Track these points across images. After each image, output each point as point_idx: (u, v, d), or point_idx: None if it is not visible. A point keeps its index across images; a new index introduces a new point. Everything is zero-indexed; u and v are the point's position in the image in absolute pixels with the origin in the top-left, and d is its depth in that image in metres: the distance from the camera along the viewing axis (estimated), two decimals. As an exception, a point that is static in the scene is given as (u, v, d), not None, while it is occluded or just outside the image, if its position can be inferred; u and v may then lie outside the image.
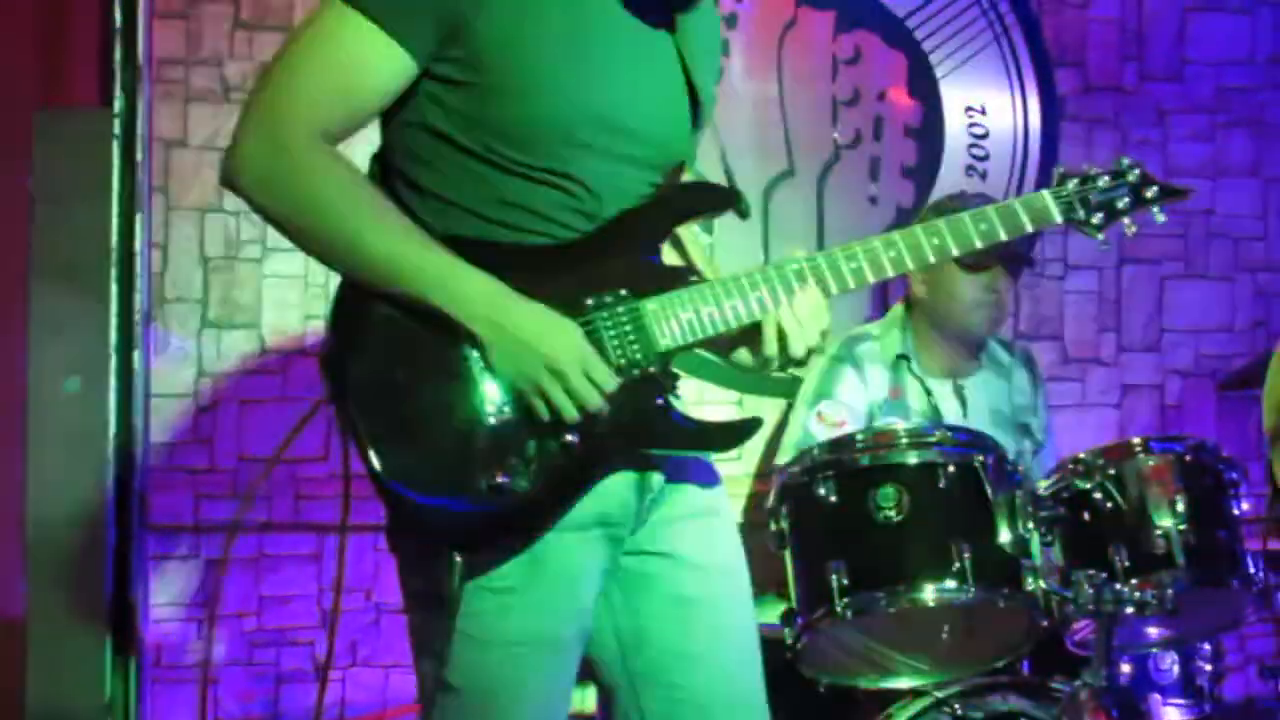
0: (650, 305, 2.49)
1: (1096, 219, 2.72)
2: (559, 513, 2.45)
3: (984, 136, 5.00)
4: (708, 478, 2.67)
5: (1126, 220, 2.75)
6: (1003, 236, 2.67)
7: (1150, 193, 2.75)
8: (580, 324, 2.44)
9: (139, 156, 4.29)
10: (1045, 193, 2.71)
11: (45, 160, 4.22)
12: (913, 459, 3.44)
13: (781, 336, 2.52)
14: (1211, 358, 5.14)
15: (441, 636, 2.44)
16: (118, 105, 4.28)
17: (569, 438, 2.42)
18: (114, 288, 4.28)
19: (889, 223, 4.88)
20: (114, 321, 4.29)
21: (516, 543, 2.44)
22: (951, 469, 3.41)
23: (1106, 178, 2.73)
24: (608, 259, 2.50)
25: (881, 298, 4.78)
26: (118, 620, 4.26)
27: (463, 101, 2.45)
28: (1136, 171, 2.75)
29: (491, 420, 2.40)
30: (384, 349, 2.41)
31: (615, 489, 2.51)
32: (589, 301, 2.47)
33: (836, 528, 3.45)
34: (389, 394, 2.39)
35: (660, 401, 2.50)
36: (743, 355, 2.62)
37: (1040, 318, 5.03)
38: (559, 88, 2.45)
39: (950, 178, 4.93)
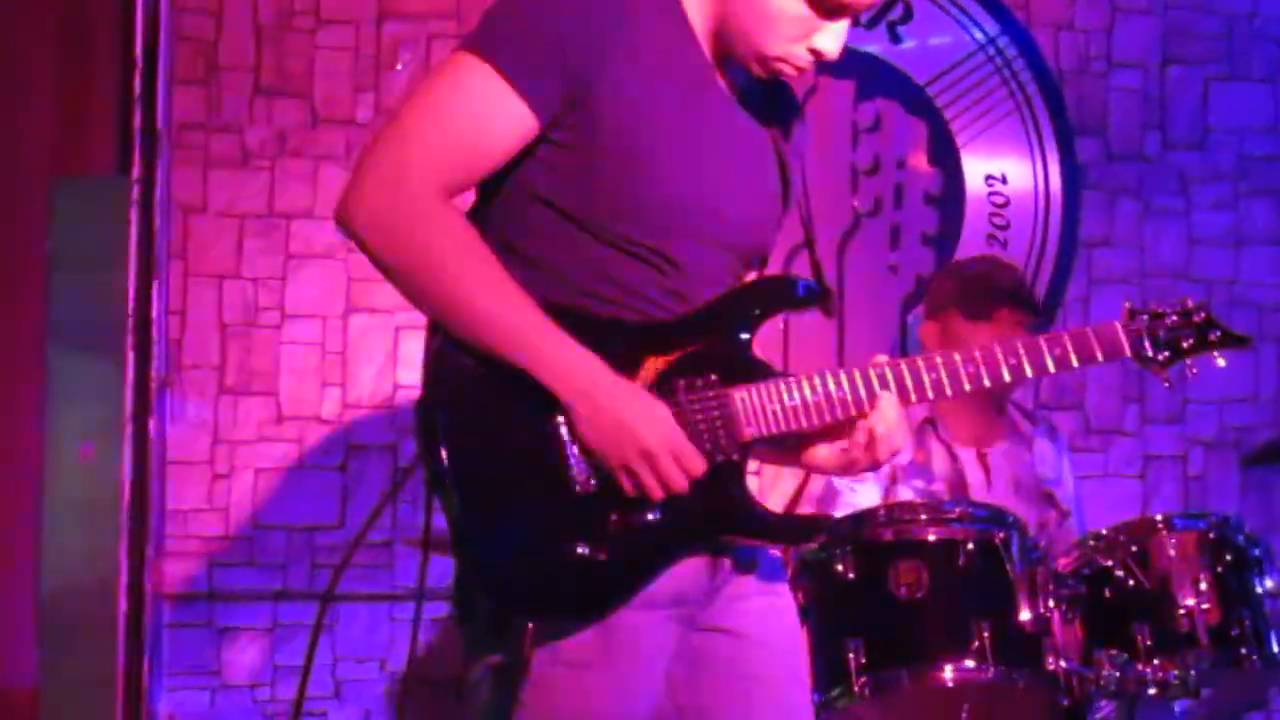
0: (739, 394, 2.51)
1: (1162, 357, 2.75)
2: (636, 588, 2.45)
3: (1005, 205, 4.99)
4: (772, 574, 2.68)
5: (1189, 361, 2.77)
6: (1075, 364, 2.69)
7: (1214, 336, 2.78)
8: (670, 405, 2.45)
9: (156, 223, 4.30)
10: (1118, 325, 2.73)
11: (64, 227, 4.25)
12: (932, 535, 3.43)
13: (871, 440, 2.55)
14: (1235, 428, 5.09)
15: (507, 708, 2.44)
16: (137, 172, 4.30)
17: (651, 516, 2.43)
18: (130, 354, 4.29)
19: (908, 291, 4.87)
20: (129, 388, 4.30)
21: (592, 615, 2.44)
22: (971, 546, 3.40)
23: (1174, 317, 2.76)
24: (701, 343, 2.52)
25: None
26: (130, 688, 4.25)
27: (571, 168, 2.47)
28: (1203, 314, 2.78)
29: (578, 490, 2.42)
30: (478, 407, 2.43)
31: (689, 570, 2.51)
32: (680, 383, 2.48)
33: (855, 604, 3.43)
34: (479, 453, 2.41)
35: (739, 490, 2.52)
36: (821, 452, 2.63)
37: (1062, 387, 4.99)
38: (668, 166, 2.49)
39: (971, 246, 4.91)
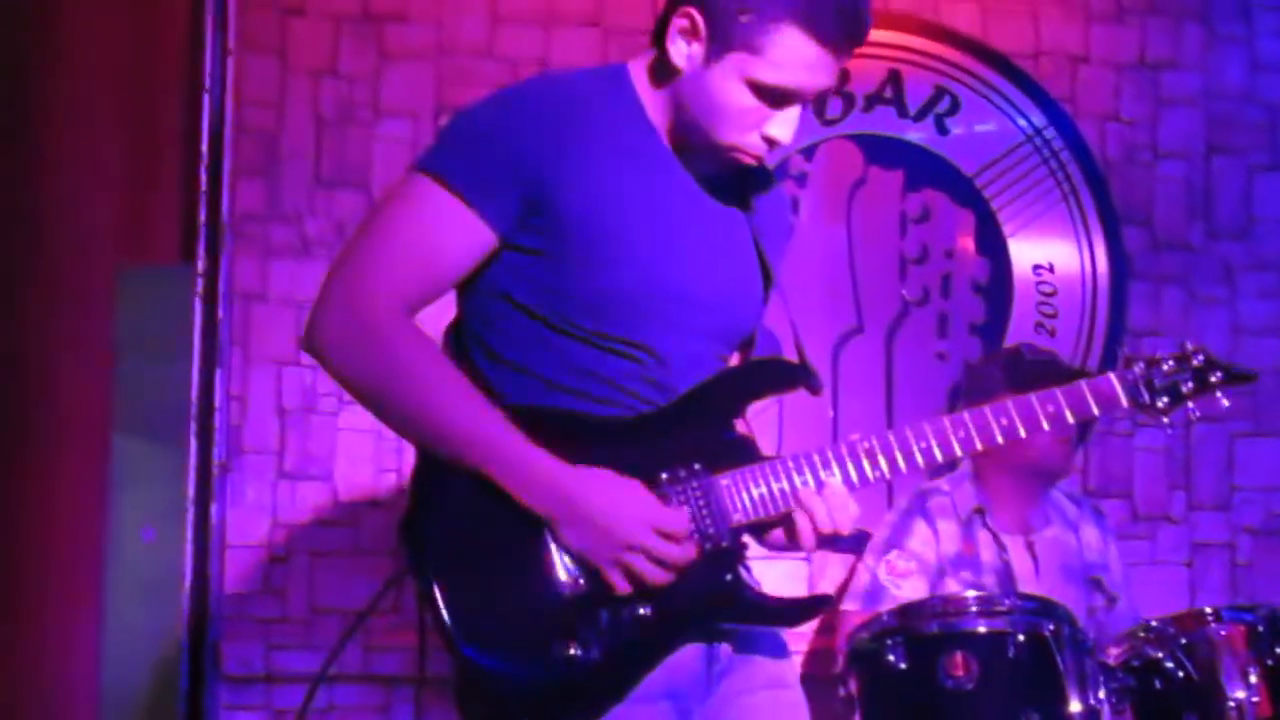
0: (724, 481, 2.52)
1: (1161, 403, 2.75)
2: (630, 684, 2.46)
3: (1052, 294, 5.03)
4: (777, 650, 2.69)
5: (1191, 405, 2.77)
6: (1070, 419, 2.70)
7: (1215, 377, 2.78)
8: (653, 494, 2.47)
9: (219, 312, 4.38)
10: (1111, 375, 2.73)
11: (128, 316, 4.33)
12: (982, 627, 3.46)
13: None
14: (1283, 515, 5.11)
15: None
16: (200, 263, 4.38)
17: (642, 610, 2.44)
18: (192, 441, 4.36)
19: (956, 380, 4.90)
20: (192, 473, 4.37)
21: (587, 714, 2.45)
22: (1021, 638, 3.43)
23: (1171, 362, 2.76)
24: (682, 433, 2.54)
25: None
26: (190, 769, 4.30)
27: (539, 271, 2.51)
28: (1201, 356, 2.78)
29: (566, 591, 2.43)
30: (462, 519, 2.45)
31: (684, 661, 2.52)
32: (664, 475, 2.50)
33: (905, 695, 3.46)
34: (466, 563, 2.43)
35: (731, 576, 2.52)
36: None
37: (1109, 474, 5.00)
38: (634, 260, 2.52)
39: (1019, 334, 4.94)
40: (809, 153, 4.91)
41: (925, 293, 4.97)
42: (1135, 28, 5.16)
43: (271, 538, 4.56)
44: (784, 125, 2.54)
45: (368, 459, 4.58)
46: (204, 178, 4.41)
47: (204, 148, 4.43)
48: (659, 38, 2.57)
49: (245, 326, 4.57)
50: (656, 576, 2.42)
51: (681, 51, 2.53)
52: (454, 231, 2.48)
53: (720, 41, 2.49)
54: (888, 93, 4.98)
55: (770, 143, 2.56)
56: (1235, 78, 5.21)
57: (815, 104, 4.88)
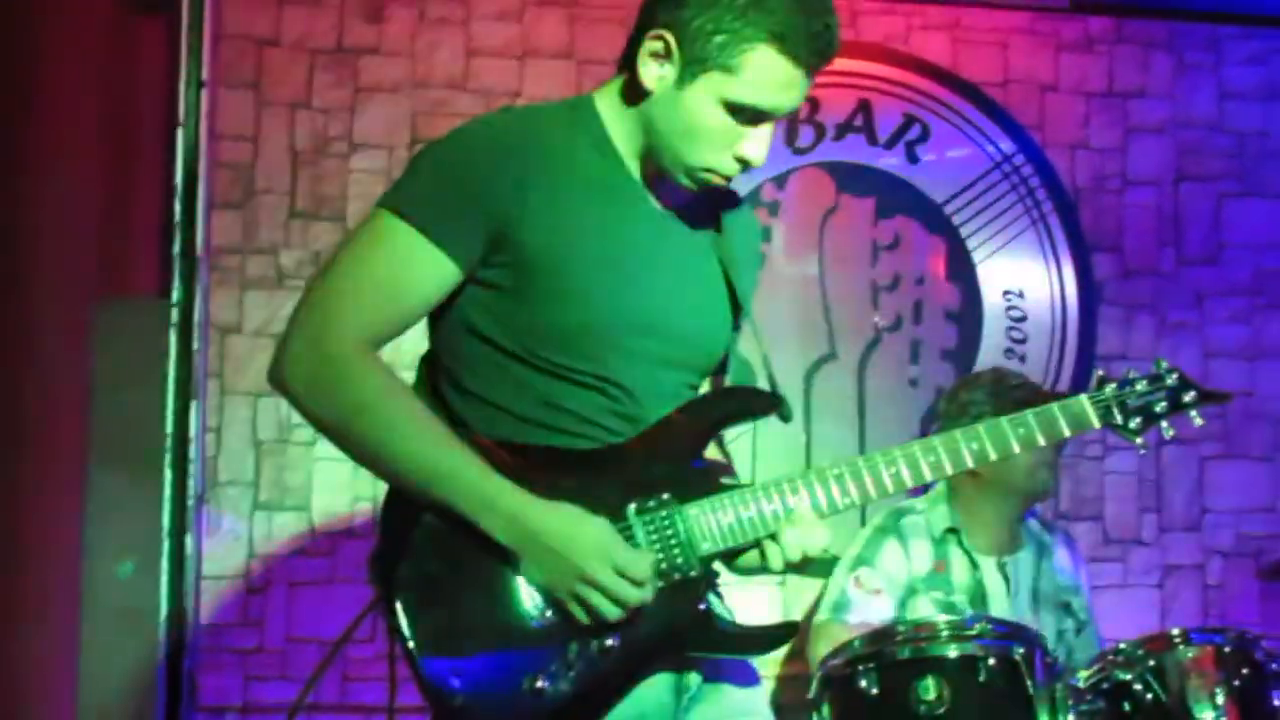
0: (692, 510, 2.53)
1: (1134, 424, 2.74)
2: (599, 715, 2.47)
3: (1022, 319, 5.07)
4: (745, 678, 2.69)
5: (1164, 424, 2.76)
6: (1040, 442, 2.69)
7: (1188, 397, 2.77)
8: (621, 529, 2.47)
9: (195, 344, 4.40)
10: (1083, 397, 2.73)
11: (104, 349, 4.34)
12: (953, 651, 3.47)
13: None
14: (1253, 538, 5.13)
15: None
16: (176, 295, 4.40)
17: (609, 641, 2.45)
18: (168, 472, 4.37)
19: (929, 405, 4.93)
20: (167, 505, 4.38)
21: None
22: (992, 661, 3.44)
23: (1144, 382, 2.75)
24: (650, 463, 2.55)
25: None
26: (166, 802, 4.30)
27: (505, 305, 2.53)
28: (1175, 375, 2.77)
29: (533, 624, 2.44)
30: (430, 552, 2.45)
31: (652, 690, 2.53)
32: (632, 506, 2.51)
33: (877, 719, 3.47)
34: (434, 597, 2.43)
35: (702, 606, 2.53)
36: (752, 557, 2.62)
37: (1080, 498, 5.05)
38: (598, 293, 2.53)
39: (989, 360, 4.96)
40: (781, 181, 4.94)
41: (897, 319, 5.01)
42: (1104, 56, 5.22)
43: (248, 568, 4.57)
44: (757, 144, 2.54)
45: (344, 489, 4.60)
46: (179, 210, 4.43)
47: (178, 181, 4.44)
48: (628, 61, 2.58)
49: (221, 358, 4.58)
50: (612, 615, 2.43)
51: (653, 74, 2.53)
52: (418, 267, 2.49)
53: (694, 62, 2.50)
54: (858, 121, 5.02)
55: (743, 163, 2.56)
56: (1203, 106, 5.27)
57: (787, 133, 4.93)
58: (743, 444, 4.61)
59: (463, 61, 4.82)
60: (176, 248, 4.42)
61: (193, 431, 4.42)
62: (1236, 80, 5.30)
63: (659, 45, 2.52)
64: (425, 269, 2.49)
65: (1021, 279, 5.09)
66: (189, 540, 4.39)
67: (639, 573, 2.44)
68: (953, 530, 4.33)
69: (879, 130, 5.03)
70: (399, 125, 4.75)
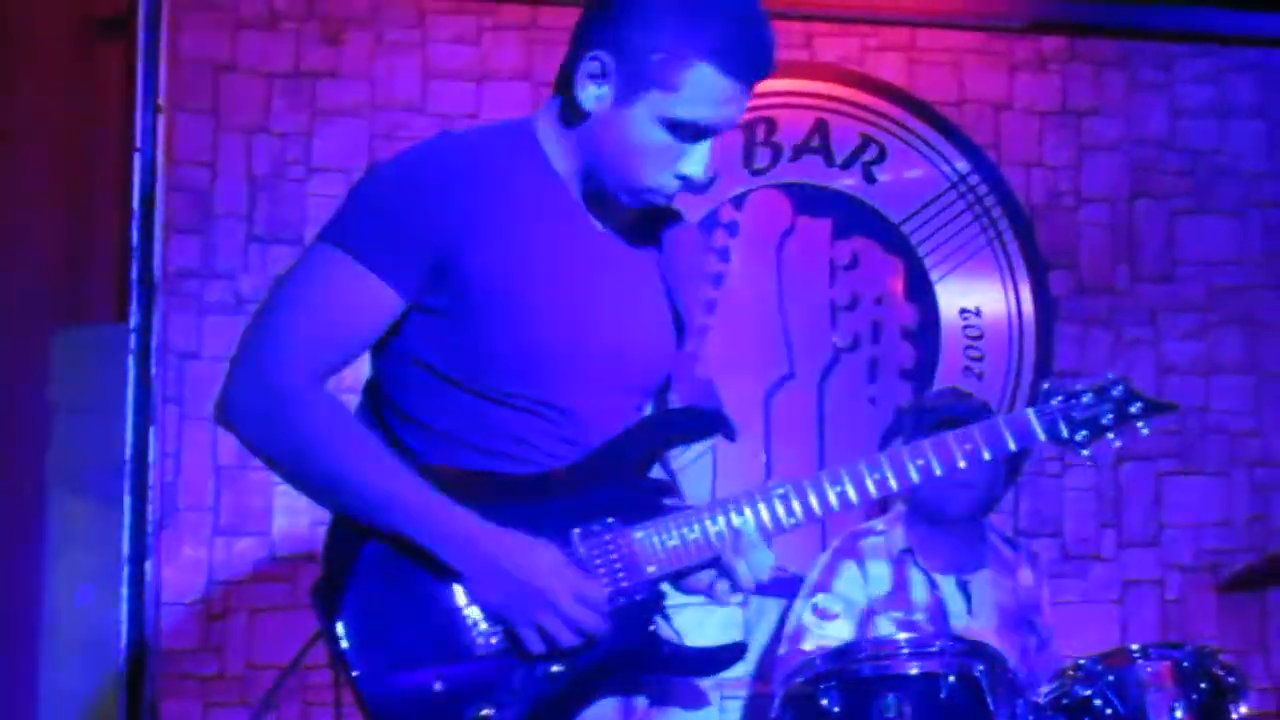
0: (638, 533, 2.52)
1: (1080, 436, 2.71)
2: None
3: (979, 338, 5.10)
4: (694, 700, 2.74)
5: (1111, 436, 2.73)
6: (987, 456, 2.67)
7: (1134, 409, 2.74)
8: (567, 554, 2.47)
9: (153, 370, 4.39)
10: (1029, 411, 2.71)
11: (62, 374, 4.33)
12: (914, 669, 3.49)
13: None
14: (1211, 551, 5.16)
15: None
16: (134, 321, 4.39)
17: (555, 668, 2.45)
18: (127, 498, 4.36)
19: (888, 424, 4.95)
20: (127, 531, 4.37)
21: None
22: (952, 679, 3.46)
23: (1090, 395, 2.73)
24: (596, 487, 2.54)
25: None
26: (127, 829, 4.28)
27: (447, 331, 2.51)
28: (1121, 387, 2.75)
29: (479, 651, 2.43)
30: (374, 583, 2.44)
31: (600, 714, 2.53)
32: (578, 530, 2.50)
33: (840, 738, 3.48)
34: (378, 625, 2.43)
35: (650, 628, 2.53)
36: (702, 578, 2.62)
37: (1039, 515, 5.08)
38: (539, 316, 2.51)
39: (948, 378, 4.99)
40: (738, 202, 4.97)
41: (855, 339, 5.03)
42: (1057, 75, 5.26)
43: (208, 594, 4.56)
44: (698, 161, 2.53)
45: (304, 513, 4.54)
46: (137, 235, 4.42)
47: (136, 205, 4.44)
48: (565, 82, 2.56)
49: (179, 384, 4.57)
50: (569, 641, 2.43)
51: (591, 95, 2.52)
52: (361, 299, 2.48)
53: (632, 82, 2.48)
54: (815, 142, 5.05)
55: (685, 181, 2.55)
56: (1157, 124, 5.32)
57: (744, 154, 4.95)
58: (703, 464, 4.63)
59: (420, 84, 4.83)
60: (135, 273, 4.42)
61: (152, 457, 4.41)
62: (1189, 98, 5.35)
63: (596, 66, 2.50)
64: (369, 301, 2.48)
65: (978, 297, 5.12)
66: (148, 566, 4.38)
67: (596, 598, 2.44)
68: (907, 551, 4.34)
69: (836, 151, 5.06)
70: (357, 148, 4.75)
